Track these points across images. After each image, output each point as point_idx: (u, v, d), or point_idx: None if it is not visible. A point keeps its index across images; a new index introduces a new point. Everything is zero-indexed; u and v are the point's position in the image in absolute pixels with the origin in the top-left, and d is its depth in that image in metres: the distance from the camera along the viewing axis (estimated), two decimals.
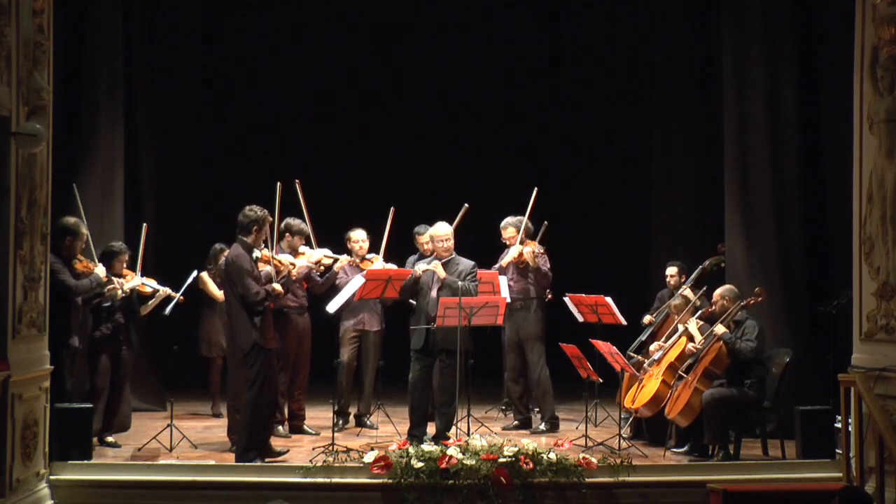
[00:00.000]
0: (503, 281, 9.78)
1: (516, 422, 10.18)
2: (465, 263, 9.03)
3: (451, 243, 9.03)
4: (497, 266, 10.00)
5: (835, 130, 9.61)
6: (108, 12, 10.37)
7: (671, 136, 11.86)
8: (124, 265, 9.21)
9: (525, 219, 9.90)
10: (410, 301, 9.19)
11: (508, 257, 9.92)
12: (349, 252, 9.94)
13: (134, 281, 9.15)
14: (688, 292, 9.77)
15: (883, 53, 7.72)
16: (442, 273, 8.89)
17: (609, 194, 13.33)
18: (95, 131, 10.29)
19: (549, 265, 9.96)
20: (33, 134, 7.41)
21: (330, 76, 13.75)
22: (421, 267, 9.03)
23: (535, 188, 9.94)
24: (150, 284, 9.33)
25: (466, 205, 9.82)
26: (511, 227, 9.96)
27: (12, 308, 7.42)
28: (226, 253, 9.34)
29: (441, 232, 9.02)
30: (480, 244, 10.61)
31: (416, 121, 13.79)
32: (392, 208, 9.91)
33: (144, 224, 9.62)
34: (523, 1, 14.15)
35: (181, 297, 9.46)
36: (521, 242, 9.90)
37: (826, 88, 9.95)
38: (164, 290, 9.38)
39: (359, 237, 9.95)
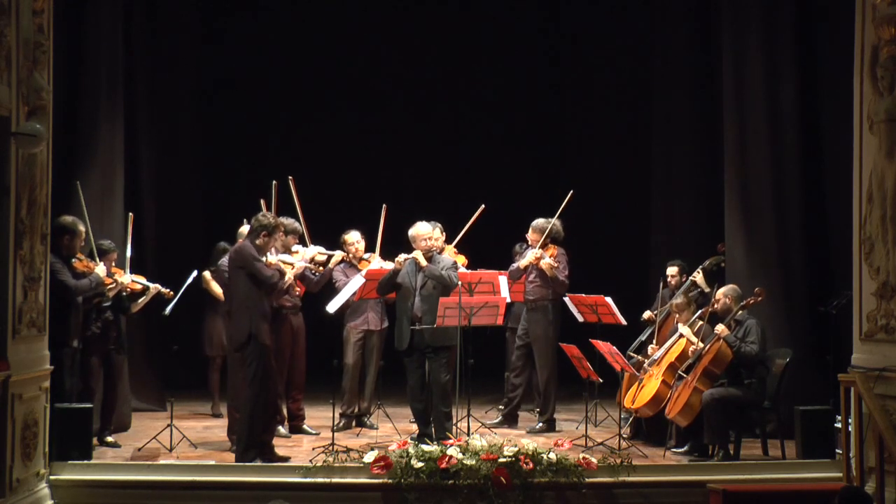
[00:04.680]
0: (503, 281, 9.78)
1: (500, 417, 10.19)
2: (447, 260, 9.04)
3: (432, 242, 9.02)
4: (515, 266, 10.00)
5: (835, 130, 9.61)
6: (108, 12, 10.36)
7: (671, 135, 11.86)
8: (113, 263, 9.21)
9: (551, 221, 9.89)
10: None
11: (525, 260, 9.91)
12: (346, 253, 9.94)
13: (124, 278, 9.14)
14: (698, 276, 9.81)
15: (883, 53, 7.72)
16: (423, 261, 8.88)
17: (609, 194, 13.33)
18: (95, 131, 10.28)
19: (567, 272, 9.95)
20: (33, 134, 7.41)
21: (330, 75, 13.74)
22: (401, 257, 9.02)
23: (571, 191, 9.89)
24: (139, 281, 9.32)
25: (483, 206, 9.91)
26: (536, 231, 9.97)
27: (12, 308, 7.43)
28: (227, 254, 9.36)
29: (422, 231, 9.01)
30: (479, 243, 10.62)
31: (414, 119, 13.79)
32: (384, 206, 9.90)
33: (130, 214, 9.57)
34: (524, 0, 14.15)
35: (170, 293, 9.43)
36: (544, 246, 9.90)
37: (826, 88, 9.94)
38: (155, 287, 9.36)
39: (353, 239, 9.94)
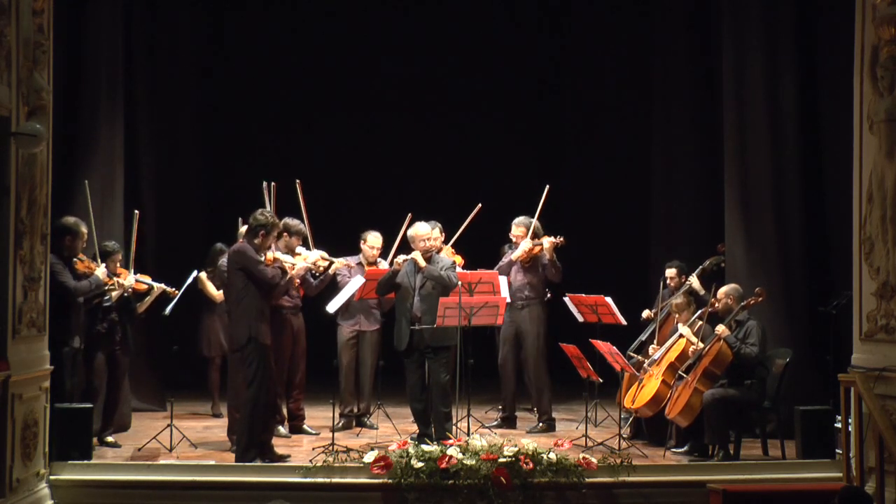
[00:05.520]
0: (503, 281, 9.78)
1: (498, 419, 10.18)
2: (446, 260, 9.04)
3: (431, 243, 9.02)
4: (506, 260, 10.00)
5: (835, 130, 9.61)
6: (108, 12, 10.36)
7: (671, 136, 11.86)
8: (118, 264, 9.22)
9: (534, 219, 9.90)
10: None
11: (519, 251, 9.92)
12: (360, 252, 9.93)
13: (129, 279, 9.15)
14: (693, 280, 9.81)
15: (883, 53, 7.73)
16: (422, 262, 8.88)
17: (609, 194, 13.33)
18: (95, 131, 10.28)
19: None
20: (33, 134, 7.41)
21: (331, 75, 13.73)
22: (400, 258, 9.01)
23: (547, 186, 9.93)
24: (144, 281, 9.33)
25: (479, 205, 9.88)
26: (521, 227, 9.97)
27: (12, 308, 7.43)
28: (226, 254, 9.36)
29: (421, 231, 9.00)
30: (481, 243, 10.61)
31: (417, 121, 13.77)
32: (409, 214, 9.83)
33: (136, 211, 9.58)
34: (526, 1, 14.14)
35: (175, 291, 9.44)
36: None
37: (826, 88, 9.95)
38: (159, 286, 9.38)
39: (374, 243, 9.91)
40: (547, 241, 9.83)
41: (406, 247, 9.60)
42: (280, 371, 9.32)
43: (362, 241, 9.95)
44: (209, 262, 10.34)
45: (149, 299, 9.44)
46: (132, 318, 9.35)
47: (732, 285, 9.18)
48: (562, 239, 9.87)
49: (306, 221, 9.62)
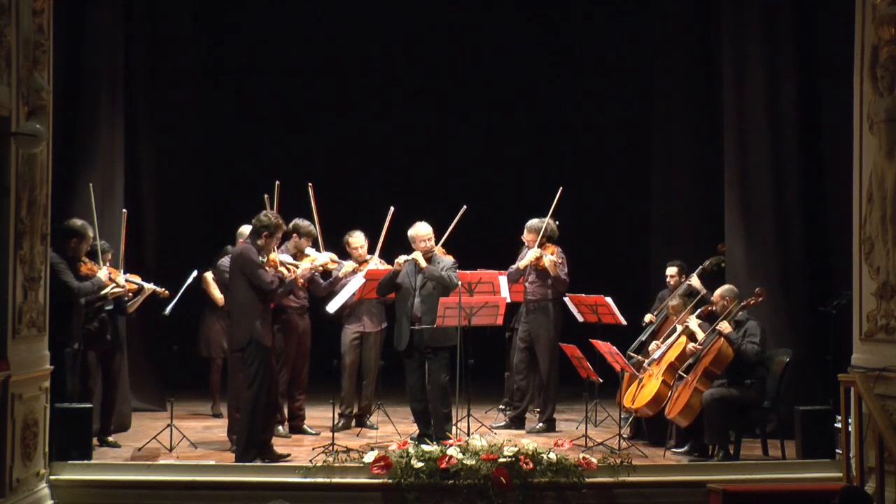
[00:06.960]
0: (503, 281, 9.77)
1: (506, 420, 10.18)
2: (446, 261, 9.03)
3: (432, 243, 9.01)
4: (514, 267, 9.97)
5: (835, 130, 9.61)
6: (108, 12, 10.35)
7: (671, 136, 11.87)
8: (108, 264, 9.20)
9: (545, 221, 9.88)
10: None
11: (526, 260, 9.90)
12: (348, 255, 9.92)
13: (119, 279, 9.12)
14: (694, 280, 9.80)
15: (883, 53, 7.73)
16: (423, 262, 8.87)
17: (609, 194, 13.34)
18: (95, 131, 10.27)
19: (567, 269, 9.92)
20: (33, 134, 7.40)
21: (332, 75, 13.74)
22: (401, 259, 9.01)
23: (560, 188, 9.90)
24: (134, 281, 9.31)
25: (465, 206, 9.84)
26: (532, 232, 9.94)
27: (12, 308, 7.43)
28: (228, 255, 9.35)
29: (422, 232, 8.99)
30: (480, 244, 10.61)
31: (419, 121, 13.78)
32: (392, 208, 9.88)
33: (124, 210, 9.57)
34: (525, 1, 14.14)
35: (165, 292, 9.41)
36: (541, 246, 9.88)
37: (826, 88, 9.95)
38: (150, 287, 9.35)
39: (358, 242, 9.92)
40: (547, 260, 9.79)
41: (392, 241, 9.60)
42: (284, 371, 9.32)
43: (348, 246, 9.94)
44: (215, 264, 10.32)
45: (140, 299, 9.41)
46: (124, 315, 9.31)
47: (728, 286, 9.17)
48: (559, 258, 9.83)
49: (317, 224, 9.62)
